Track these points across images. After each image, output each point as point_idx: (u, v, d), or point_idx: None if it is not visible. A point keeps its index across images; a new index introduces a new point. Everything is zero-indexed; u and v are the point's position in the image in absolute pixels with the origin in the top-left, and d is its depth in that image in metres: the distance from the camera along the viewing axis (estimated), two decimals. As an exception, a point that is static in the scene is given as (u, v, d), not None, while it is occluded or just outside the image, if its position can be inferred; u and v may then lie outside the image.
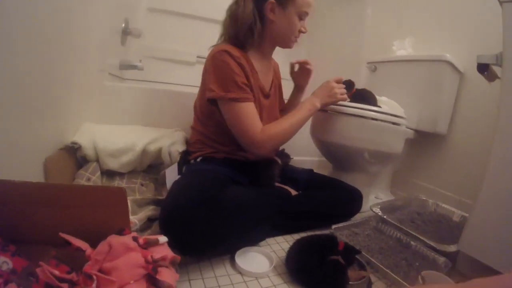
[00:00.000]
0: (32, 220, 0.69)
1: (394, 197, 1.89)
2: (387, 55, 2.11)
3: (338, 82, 1.35)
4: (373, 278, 0.98)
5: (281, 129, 1.17)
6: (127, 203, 0.71)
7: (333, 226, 1.24)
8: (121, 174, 1.39)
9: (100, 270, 0.63)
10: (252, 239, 1.08)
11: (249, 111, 1.12)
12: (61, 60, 1.10)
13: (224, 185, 1.06)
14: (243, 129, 1.12)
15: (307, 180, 1.44)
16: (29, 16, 0.86)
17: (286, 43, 1.28)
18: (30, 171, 0.99)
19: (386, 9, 2.34)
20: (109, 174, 1.37)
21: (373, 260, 1.04)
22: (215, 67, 1.11)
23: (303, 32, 1.27)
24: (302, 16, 1.21)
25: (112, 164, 1.33)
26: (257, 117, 1.15)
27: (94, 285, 0.58)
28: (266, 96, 1.31)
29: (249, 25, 1.17)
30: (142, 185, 1.35)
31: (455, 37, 1.85)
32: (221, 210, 0.91)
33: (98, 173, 1.28)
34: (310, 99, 1.28)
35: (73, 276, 0.61)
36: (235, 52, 1.12)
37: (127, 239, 0.67)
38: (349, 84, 1.62)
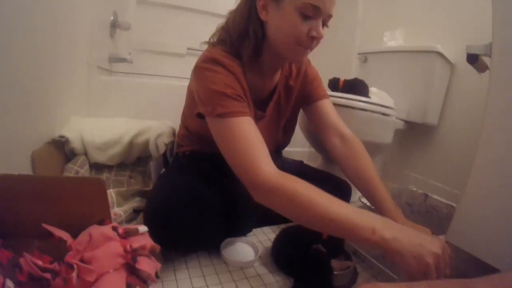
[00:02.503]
0: (15, 213, 0.69)
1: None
2: (378, 46, 2.10)
3: None
4: (359, 268, 0.99)
5: (302, 196, 0.75)
6: (106, 194, 0.71)
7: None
8: (109, 167, 1.39)
9: (81, 260, 0.63)
10: (239, 230, 1.06)
11: (248, 130, 0.83)
12: (48, 53, 1.09)
13: (210, 181, 0.99)
14: (241, 157, 0.81)
15: (296, 171, 1.28)
16: (14, 9, 0.85)
17: (288, 54, 0.94)
18: (17, 165, 0.99)
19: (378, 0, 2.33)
20: (97, 167, 1.37)
21: (359, 250, 1.04)
22: (200, 78, 0.90)
23: (315, 38, 0.89)
24: (307, 11, 0.84)
25: (100, 157, 1.33)
26: (263, 144, 0.84)
27: (74, 274, 0.58)
28: (258, 118, 1.06)
29: (242, 31, 0.94)
30: (130, 177, 1.35)
31: (446, 28, 1.85)
32: (208, 207, 0.89)
33: (87, 166, 1.28)
34: (383, 223, 0.72)
35: (55, 266, 0.61)
36: (226, 59, 0.90)
37: (106, 229, 0.67)
38: (334, 82, 1.62)
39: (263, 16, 0.91)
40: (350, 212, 0.73)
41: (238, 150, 0.81)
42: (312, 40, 0.90)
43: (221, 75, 0.88)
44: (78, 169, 1.23)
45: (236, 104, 0.85)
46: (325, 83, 1.27)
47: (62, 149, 1.28)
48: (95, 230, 0.66)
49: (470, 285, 0.57)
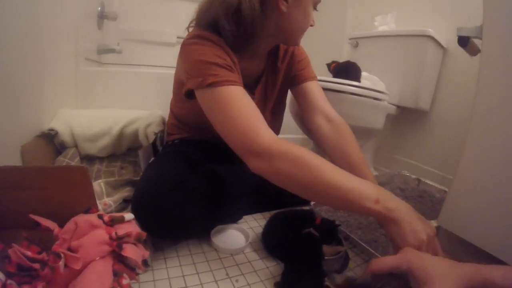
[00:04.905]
0: (0, 204, 0.69)
1: (377, 173, 1.90)
2: (369, 30, 2.09)
3: None
4: (350, 254, 0.98)
5: (309, 161, 0.72)
6: (90, 181, 0.70)
7: (312, 202, 1.20)
8: (101, 159, 1.38)
9: (68, 249, 0.63)
10: (230, 217, 1.05)
11: (243, 97, 0.80)
12: (34, 46, 1.08)
13: (199, 167, 0.98)
14: (238, 124, 0.76)
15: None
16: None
17: (295, 40, 1.01)
18: (6, 160, 0.97)
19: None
20: (89, 158, 1.37)
21: (351, 235, 1.04)
22: (188, 53, 0.88)
23: (312, 26, 1.00)
24: (316, 5, 0.96)
25: (90, 148, 1.33)
26: (258, 112, 0.80)
27: (61, 262, 0.58)
28: None
29: (251, 22, 0.88)
30: (121, 168, 1.34)
31: (438, 12, 1.83)
32: (193, 193, 0.88)
33: (77, 158, 1.27)
34: (386, 194, 0.73)
35: (43, 256, 0.61)
36: (214, 37, 0.87)
37: (92, 217, 0.66)
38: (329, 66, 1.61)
39: (284, 7, 0.90)
40: (354, 181, 0.72)
41: (234, 116, 0.77)
42: None
43: (210, 47, 0.85)
44: (69, 161, 1.22)
45: (228, 74, 0.82)
46: (315, 68, 1.25)
47: (51, 142, 1.27)
48: (81, 218, 0.66)
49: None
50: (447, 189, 1.48)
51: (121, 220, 0.68)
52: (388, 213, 0.68)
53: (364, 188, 0.71)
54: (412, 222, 0.67)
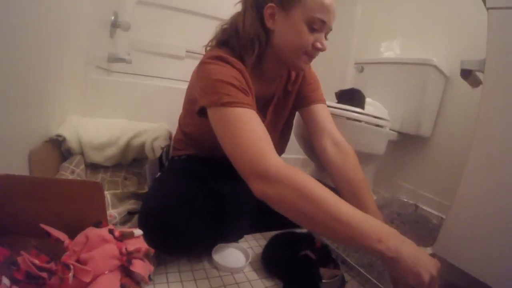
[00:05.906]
0: (13, 212, 0.71)
1: (376, 197, 1.91)
2: (375, 56, 2.13)
3: None
4: (347, 277, 1.00)
5: (314, 191, 0.71)
6: (103, 196, 0.72)
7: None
8: (105, 168, 1.40)
9: (77, 261, 0.64)
10: (232, 235, 1.06)
11: (255, 120, 0.82)
12: (46, 52, 1.09)
13: (204, 185, 1.00)
14: (247, 145, 0.77)
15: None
16: (13, 7, 0.85)
17: (292, 62, 0.98)
18: (14, 164, 0.99)
19: (376, 10, 2.36)
20: (93, 167, 1.38)
21: (347, 259, 1.06)
22: (205, 71, 0.89)
23: (319, 49, 0.95)
24: (314, 24, 0.90)
25: (96, 157, 1.34)
26: (268, 137, 0.81)
27: (71, 274, 0.60)
28: None
29: (250, 39, 0.95)
30: (125, 178, 1.36)
31: (443, 41, 1.87)
32: (199, 211, 0.90)
33: (82, 166, 1.29)
34: (389, 233, 0.68)
35: (52, 265, 0.62)
36: (232, 58, 0.91)
37: (103, 231, 0.68)
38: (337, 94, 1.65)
39: (270, 24, 0.94)
40: (357, 217, 0.70)
41: (243, 137, 0.78)
42: (316, 51, 0.96)
43: (227, 69, 0.88)
44: (74, 168, 1.24)
45: (243, 96, 0.84)
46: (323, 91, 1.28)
47: (59, 148, 1.28)
48: (92, 232, 0.68)
49: None
50: (443, 216, 1.50)
51: (131, 236, 0.70)
52: (389, 253, 0.65)
53: (367, 225, 0.69)
54: (415, 263, 0.64)
